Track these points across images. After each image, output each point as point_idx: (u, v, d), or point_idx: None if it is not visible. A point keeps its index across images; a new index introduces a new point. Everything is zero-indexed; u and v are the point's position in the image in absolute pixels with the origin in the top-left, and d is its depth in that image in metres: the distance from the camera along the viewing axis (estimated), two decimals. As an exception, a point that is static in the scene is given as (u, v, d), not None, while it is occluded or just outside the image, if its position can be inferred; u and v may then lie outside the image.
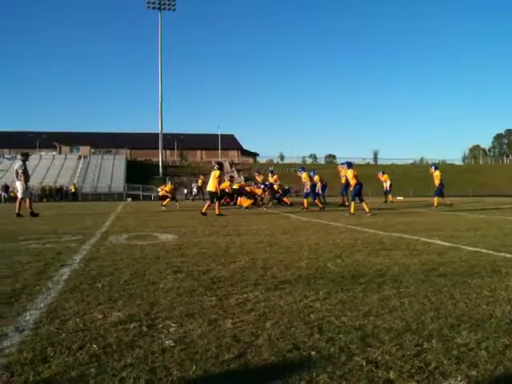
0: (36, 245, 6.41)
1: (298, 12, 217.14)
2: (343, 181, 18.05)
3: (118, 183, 54.78)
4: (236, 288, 3.65)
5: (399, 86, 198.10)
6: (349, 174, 14.26)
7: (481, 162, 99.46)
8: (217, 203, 14.06)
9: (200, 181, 31.30)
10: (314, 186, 17.60)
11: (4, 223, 11.11)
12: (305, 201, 17.09)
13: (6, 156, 64.71)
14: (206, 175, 28.17)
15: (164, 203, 19.24)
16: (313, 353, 2.28)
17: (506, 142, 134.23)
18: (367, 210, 13.18)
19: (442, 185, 17.96)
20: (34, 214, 13.25)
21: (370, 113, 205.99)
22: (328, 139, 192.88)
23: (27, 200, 13.91)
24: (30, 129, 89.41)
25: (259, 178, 22.66)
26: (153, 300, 3.28)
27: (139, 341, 2.46)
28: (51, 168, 59.60)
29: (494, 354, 2.25)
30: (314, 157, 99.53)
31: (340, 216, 12.80)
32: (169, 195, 19.60)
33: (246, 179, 25.60)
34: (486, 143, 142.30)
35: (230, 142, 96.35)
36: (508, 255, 5.23)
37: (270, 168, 38.98)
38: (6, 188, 41.97)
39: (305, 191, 17.57)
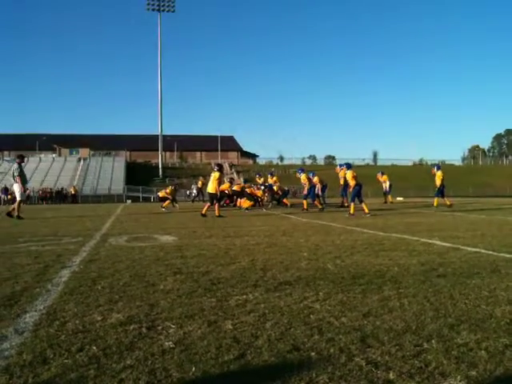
0: (36, 247, 6.41)
1: (296, 13, 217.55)
2: (342, 182, 18.06)
3: (118, 185, 54.74)
4: (236, 289, 3.65)
5: (399, 86, 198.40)
6: (348, 175, 14.27)
7: (480, 163, 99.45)
8: (216, 205, 14.05)
9: (200, 182, 31.30)
10: (313, 187, 17.60)
11: (4, 225, 11.10)
12: (304, 202, 17.09)
13: (5, 158, 64.66)
14: (206, 177, 28.22)
15: (164, 205, 19.22)
16: (313, 353, 2.28)
17: (505, 142, 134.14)
18: (367, 210, 13.19)
19: (442, 185, 17.98)
20: (17, 217, 13.13)
21: (370, 113, 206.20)
22: (327, 140, 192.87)
23: (20, 202, 13.75)
24: (29, 131, 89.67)
25: (259, 181, 22.66)
26: (152, 301, 3.28)
27: (139, 342, 2.45)
28: (51, 170, 59.56)
29: (494, 354, 2.25)
30: (313, 158, 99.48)
31: (340, 217, 12.80)
32: (169, 197, 19.60)
33: (246, 181, 25.55)
34: (486, 143, 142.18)
35: (229, 144, 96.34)
36: (508, 255, 5.24)
37: (272, 170, 39.05)
38: (6, 190, 41.95)
39: (304, 192, 17.56)
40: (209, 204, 14.35)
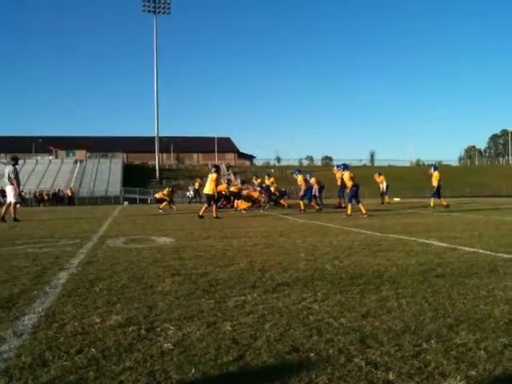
0: (33, 249, 6.39)
1: (293, 13, 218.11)
2: (339, 183, 18.08)
3: (115, 187, 54.69)
4: (234, 290, 3.64)
5: (395, 87, 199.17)
6: (345, 176, 14.29)
7: (477, 163, 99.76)
8: (214, 206, 14.06)
9: (197, 184, 31.25)
10: (310, 188, 17.60)
11: (0, 228, 11.07)
12: (301, 203, 17.07)
13: (1, 161, 64.46)
14: (203, 178, 28.18)
15: (161, 206, 19.19)
16: (312, 354, 2.28)
17: (501, 142, 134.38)
18: (364, 211, 13.21)
19: (439, 186, 18.03)
20: (13, 219, 13.08)
21: (367, 114, 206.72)
22: (324, 141, 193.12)
23: (9, 205, 13.63)
24: (25, 133, 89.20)
25: (256, 182, 22.66)
26: (151, 303, 3.27)
27: (138, 344, 2.45)
28: (47, 172, 59.46)
29: (493, 353, 2.25)
30: (310, 159, 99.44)
31: (337, 218, 12.81)
32: (166, 198, 19.58)
33: (243, 182, 25.56)
34: (482, 144, 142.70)
35: (226, 145, 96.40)
36: (505, 255, 5.25)
37: (270, 171, 39.08)
38: (2, 192, 41.77)
39: (300, 193, 17.55)
40: (206, 205, 14.34)
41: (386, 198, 23.71)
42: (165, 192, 19.95)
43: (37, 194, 46.94)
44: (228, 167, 68.99)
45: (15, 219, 13.05)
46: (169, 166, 75.65)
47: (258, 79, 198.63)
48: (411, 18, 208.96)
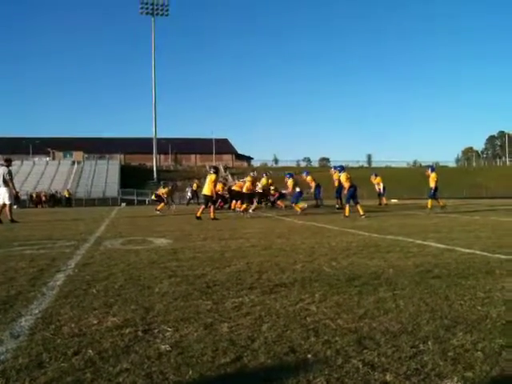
0: (30, 251, 6.37)
1: (289, 15, 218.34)
2: (336, 184, 18.05)
3: (112, 188, 54.59)
4: (231, 292, 3.64)
5: (392, 88, 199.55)
6: (342, 178, 14.29)
7: (474, 164, 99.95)
8: (211, 207, 14.06)
9: (195, 185, 31.26)
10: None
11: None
12: (294, 206, 16.79)
13: (-1, 162, 64.28)
14: (201, 179, 28.19)
15: (158, 208, 19.19)
16: (309, 356, 2.28)
17: (498, 143, 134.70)
18: (362, 212, 13.22)
19: (436, 187, 18.04)
20: (10, 221, 12.98)
21: (364, 116, 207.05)
22: (322, 142, 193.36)
23: (4, 206, 13.52)
24: (22, 134, 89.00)
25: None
26: (148, 305, 3.27)
27: (135, 346, 2.44)
28: (45, 174, 59.33)
29: (490, 354, 2.25)
30: (307, 160, 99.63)
31: (335, 219, 12.82)
32: (164, 198, 19.60)
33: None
34: (479, 145, 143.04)
35: (224, 146, 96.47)
36: (502, 256, 5.26)
37: (270, 172, 38.98)
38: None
39: (293, 196, 17.34)
40: (203, 206, 14.34)
41: (384, 200, 23.73)
42: (163, 191, 20.02)
43: (34, 196, 46.84)
44: (226, 168, 68.98)
45: (12, 220, 13.01)
46: (166, 167, 75.62)
47: (255, 81, 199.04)
48: (409, 20, 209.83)
